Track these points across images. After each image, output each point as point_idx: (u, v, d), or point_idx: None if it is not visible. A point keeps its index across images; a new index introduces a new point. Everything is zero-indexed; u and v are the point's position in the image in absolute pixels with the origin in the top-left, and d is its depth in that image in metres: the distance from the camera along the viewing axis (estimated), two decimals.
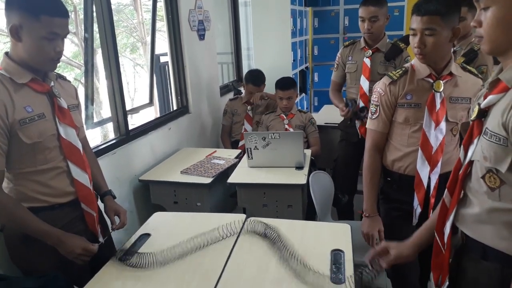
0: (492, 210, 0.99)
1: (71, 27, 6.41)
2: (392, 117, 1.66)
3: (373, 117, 1.69)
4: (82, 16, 2.30)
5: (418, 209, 1.62)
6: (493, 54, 1.04)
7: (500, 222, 0.98)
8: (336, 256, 1.37)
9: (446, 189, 1.12)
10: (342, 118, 2.66)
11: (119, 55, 2.40)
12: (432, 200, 1.57)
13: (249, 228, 1.56)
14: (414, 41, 1.52)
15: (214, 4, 3.52)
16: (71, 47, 7.29)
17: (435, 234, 1.15)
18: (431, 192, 1.58)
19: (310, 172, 2.26)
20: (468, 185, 1.06)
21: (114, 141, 2.28)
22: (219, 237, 1.52)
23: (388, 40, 2.52)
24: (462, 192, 1.08)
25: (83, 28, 2.38)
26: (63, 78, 1.55)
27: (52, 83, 1.41)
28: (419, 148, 1.58)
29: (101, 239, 1.50)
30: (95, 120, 2.44)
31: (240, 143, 3.10)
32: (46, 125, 1.36)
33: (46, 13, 1.27)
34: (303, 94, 5.23)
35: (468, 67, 1.67)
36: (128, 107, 2.51)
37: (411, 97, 1.61)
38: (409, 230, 1.32)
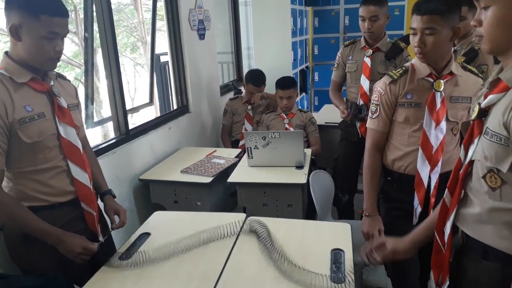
0: (493, 210, 0.99)
1: (71, 27, 6.42)
2: (393, 117, 1.66)
3: (373, 117, 1.69)
4: (82, 16, 2.30)
5: (418, 209, 1.62)
6: (493, 53, 1.03)
7: (500, 222, 0.98)
8: (336, 255, 1.37)
9: (446, 189, 1.12)
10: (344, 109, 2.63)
11: (120, 54, 2.40)
12: (433, 200, 1.57)
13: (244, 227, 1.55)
14: (414, 40, 1.52)
15: (214, 3, 3.52)
16: (72, 46, 7.29)
17: (435, 233, 1.15)
18: (431, 191, 1.58)
19: (310, 171, 2.26)
20: (469, 184, 1.06)
21: (114, 141, 2.28)
22: (219, 235, 1.51)
23: (388, 39, 2.52)
24: (463, 191, 1.08)
25: (83, 27, 2.38)
26: (63, 77, 1.55)
27: (52, 83, 1.41)
28: (420, 147, 1.58)
29: (101, 238, 1.50)
30: (95, 119, 2.44)
31: (241, 143, 3.10)
32: (46, 125, 1.36)
33: (45, 13, 1.27)
34: (303, 94, 5.23)
35: (469, 66, 1.67)
36: (128, 107, 2.51)
37: (411, 97, 1.60)
38: (409, 229, 1.32)
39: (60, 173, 1.42)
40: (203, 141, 3.29)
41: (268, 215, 1.76)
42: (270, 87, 3.23)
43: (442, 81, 1.56)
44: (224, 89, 3.89)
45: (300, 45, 4.92)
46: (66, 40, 1.41)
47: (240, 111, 3.22)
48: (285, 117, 2.91)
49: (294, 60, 4.63)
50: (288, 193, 2.19)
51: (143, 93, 2.92)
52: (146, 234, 1.57)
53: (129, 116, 2.45)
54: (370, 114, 1.71)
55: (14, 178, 1.35)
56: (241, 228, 1.58)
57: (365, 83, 2.46)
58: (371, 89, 2.29)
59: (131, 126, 2.47)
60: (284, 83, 2.91)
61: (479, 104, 1.03)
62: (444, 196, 1.13)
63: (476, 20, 1.00)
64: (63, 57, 1.54)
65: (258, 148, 2.32)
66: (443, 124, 1.55)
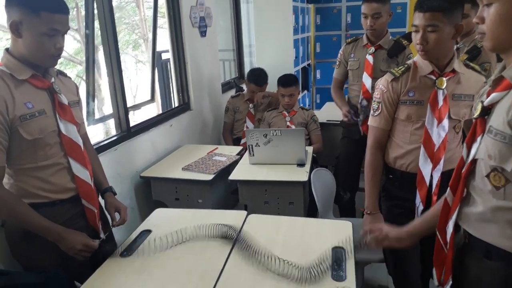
0: (497, 209, 0.98)
1: (73, 24, 6.41)
2: (394, 114, 1.65)
3: (375, 114, 1.68)
4: (83, 13, 2.30)
5: (420, 207, 1.61)
6: (495, 51, 1.03)
7: (504, 221, 0.97)
8: (338, 253, 1.36)
9: (448, 188, 1.11)
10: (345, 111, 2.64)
11: (122, 52, 2.40)
12: (434, 198, 1.56)
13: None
14: (416, 37, 1.51)
15: (215, 0, 3.51)
16: (73, 43, 7.28)
17: (437, 232, 1.14)
18: (433, 189, 1.58)
19: (311, 169, 2.26)
20: (472, 183, 1.05)
21: (115, 138, 2.28)
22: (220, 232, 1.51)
23: (390, 37, 2.51)
24: (465, 190, 1.07)
25: (84, 24, 2.37)
26: (63, 74, 1.55)
27: (52, 79, 1.41)
28: (422, 145, 1.58)
29: (102, 235, 1.50)
30: (97, 116, 2.44)
31: (242, 141, 3.10)
32: (47, 121, 1.36)
33: (46, 9, 1.27)
34: (305, 92, 5.22)
35: (471, 64, 1.66)
36: (130, 104, 2.50)
37: (413, 94, 1.60)
38: None
39: (61, 170, 1.42)
40: (204, 138, 3.29)
41: (269, 212, 1.77)
42: (271, 85, 3.22)
43: (444, 78, 1.55)
44: (226, 86, 3.88)
45: (302, 43, 4.91)
46: (67, 37, 1.40)
47: (242, 109, 3.22)
48: (287, 114, 2.90)
49: (295, 57, 4.62)
50: (289, 191, 2.18)
51: (145, 90, 2.93)
52: (147, 231, 1.57)
53: (131, 113, 2.45)
54: (372, 111, 1.70)
55: (15, 175, 1.35)
56: (242, 227, 1.58)
57: (367, 81, 2.45)
58: (373, 87, 2.28)
59: (133, 123, 2.46)
60: (285, 80, 2.91)
61: (482, 102, 1.02)
62: (446, 195, 1.12)
63: (478, 17, 0.99)
64: (64, 54, 1.53)
65: (259, 146, 2.32)
66: (445, 122, 1.54)
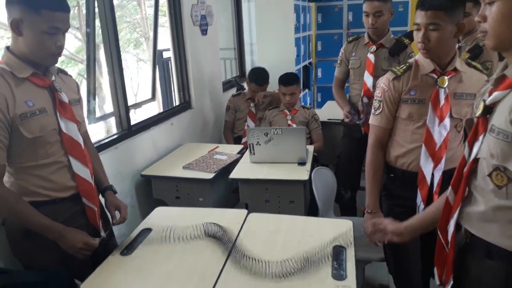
0: (498, 208, 0.98)
1: (74, 22, 6.41)
2: (396, 113, 1.64)
3: (376, 113, 1.67)
4: (85, 11, 2.30)
5: (421, 206, 1.60)
6: (497, 49, 1.02)
7: (506, 220, 0.97)
8: (338, 252, 1.36)
9: (450, 187, 1.11)
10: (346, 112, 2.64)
11: (123, 50, 2.40)
12: (436, 197, 1.56)
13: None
14: (418, 36, 1.51)
15: None
16: (75, 42, 7.28)
17: (438, 231, 1.14)
18: (434, 188, 1.57)
19: (312, 168, 2.26)
20: (474, 183, 1.05)
21: (116, 136, 2.28)
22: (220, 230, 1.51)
23: (392, 35, 2.50)
24: (467, 190, 1.07)
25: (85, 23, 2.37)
26: (64, 72, 1.55)
27: (53, 78, 1.41)
28: (423, 144, 1.57)
29: (102, 234, 1.50)
30: (98, 114, 2.43)
31: (243, 140, 3.09)
32: (47, 120, 1.36)
33: (47, 8, 1.26)
34: (306, 90, 5.21)
35: (473, 63, 1.65)
36: (131, 102, 2.50)
37: (415, 93, 1.59)
38: None
39: (61, 168, 1.41)
40: (205, 137, 3.29)
41: (270, 211, 1.76)
42: (273, 83, 3.22)
43: (446, 77, 1.54)
44: (227, 85, 3.88)
45: (303, 41, 4.90)
46: (69, 35, 1.40)
47: (243, 108, 3.21)
48: (288, 113, 2.90)
49: (297, 56, 4.61)
50: (290, 190, 2.18)
51: (146, 89, 2.93)
52: (148, 230, 1.56)
53: (132, 111, 2.45)
54: (373, 110, 1.69)
55: (15, 173, 1.35)
56: (242, 225, 1.57)
57: (368, 79, 2.44)
58: (374, 86, 2.27)
59: (135, 122, 2.46)
60: (286, 79, 2.90)
61: (484, 101, 1.01)
62: (448, 194, 1.12)
63: (480, 15, 0.98)
64: (66, 52, 1.53)
65: (260, 145, 2.32)
66: (447, 121, 1.54)
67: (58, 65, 1.46)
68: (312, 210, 2.32)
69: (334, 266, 1.28)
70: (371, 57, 2.45)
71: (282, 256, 1.34)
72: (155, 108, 3.84)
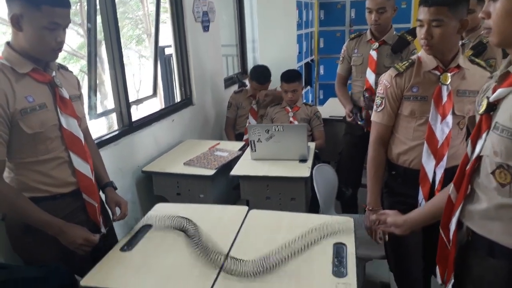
0: (501, 206, 0.97)
1: (76, 19, 6.41)
2: (398, 110, 1.63)
3: (378, 110, 1.66)
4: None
5: (423, 203, 1.60)
6: (501, 46, 1.01)
7: (509, 218, 0.96)
8: (339, 249, 1.36)
9: (452, 185, 1.10)
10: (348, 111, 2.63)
11: (125, 47, 2.39)
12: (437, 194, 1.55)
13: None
14: (421, 32, 1.49)
15: None
16: (77, 38, 7.29)
17: (440, 229, 1.13)
18: (436, 186, 1.56)
19: (314, 165, 2.25)
20: (476, 180, 1.04)
21: (117, 132, 2.28)
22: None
23: (394, 32, 2.49)
24: (469, 187, 1.06)
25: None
26: (65, 68, 1.54)
27: (53, 73, 1.40)
28: (425, 141, 1.56)
29: (102, 230, 1.50)
30: (100, 110, 2.43)
31: (245, 137, 3.09)
32: (48, 115, 1.36)
33: (47, 3, 1.26)
34: (308, 87, 5.19)
35: (476, 59, 1.64)
36: (134, 99, 2.50)
37: (417, 90, 1.58)
38: None
39: (61, 164, 1.41)
40: (206, 133, 3.28)
41: (271, 208, 1.76)
42: (275, 81, 3.20)
43: (449, 74, 1.53)
44: (228, 81, 3.87)
45: (305, 38, 4.88)
46: (71, 32, 1.40)
47: (245, 105, 3.21)
48: (290, 110, 2.89)
49: (299, 53, 4.59)
50: (291, 187, 2.17)
51: (148, 85, 2.93)
52: (148, 226, 1.56)
53: (134, 108, 2.44)
54: (375, 107, 1.68)
55: (16, 169, 1.35)
56: (243, 221, 1.57)
57: (371, 76, 2.43)
58: (377, 83, 2.26)
59: (137, 118, 2.45)
60: (288, 76, 2.89)
61: (487, 98, 1.00)
62: (450, 192, 1.11)
63: (484, 12, 0.97)
64: (68, 48, 1.53)
65: (261, 141, 2.31)
66: (449, 118, 1.52)
67: (60, 61, 1.45)
68: (313, 207, 2.32)
69: (335, 263, 1.28)
70: (373, 54, 2.44)
71: (282, 253, 1.33)
72: (157, 105, 3.83)
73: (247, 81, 3.51)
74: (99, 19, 2.28)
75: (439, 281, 1.16)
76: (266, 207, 1.78)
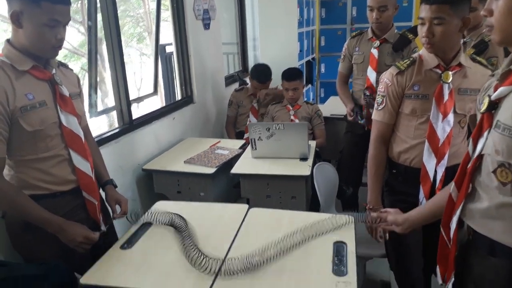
0: (502, 205, 0.96)
1: (77, 17, 6.40)
2: (399, 108, 1.63)
3: (379, 108, 1.66)
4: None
5: (423, 202, 1.59)
6: (503, 44, 1.01)
7: (510, 217, 0.95)
8: (339, 248, 1.35)
9: (453, 183, 1.10)
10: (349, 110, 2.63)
11: (126, 45, 2.39)
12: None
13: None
14: (422, 30, 1.49)
15: None
16: (78, 36, 7.28)
17: (441, 229, 1.13)
18: (437, 185, 1.56)
19: (314, 163, 2.24)
20: (478, 179, 1.04)
21: (117, 130, 2.28)
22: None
23: (396, 30, 2.48)
24: (471, 186, 1.06)
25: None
26: (65, 65, 1.54)
27: (53, 71, 1.40)
28: (426, 140, 1.56)
29: (102, 228, 1.50)
30: (101, 108, 2.43)
31: (246, 135, 3.08)
32: (48, 113, 1.35)
33: (47, 0, 1.25)
34: (309, 85, 5.19)
35: (478, 58, 1.63)
36: (134, 97, 2.49)
37: (418, 88, 1.57)
38: None
39: (61, 162, 1.41)
40: (207, 132, 3.28)
41: (271, 206, 1.75)
42: (276, 79, 3.20)
43: (450, 72, 1.52)
44: (229, 80, 3.86)
45: (306, 36, 4.87)
46: (72, 30, 1.40)
47: (245, 103, 3.20)
48: (291, 108, 2.88)
49: (300, 51, 4.58)
50: (291, 185, 2.17)
51: (149, 83, 2.93)
52: (148, 224, 1.56)
53: (136, 106, 2.44)
54: (376, 105, 1.68)
55: (16, 166, 1.34)
56: (243, 220, 1.57)
57: (372, 74, 2.42)
58: (377, 81, 2.26)
59: (138, 116, 2.45)
60: (289, 74, 2.88)
61: (489, 96, 1.00)
62: (451, 190, 1.10)
63: (486, 9, 0.97)
64: (69, 46, 1.53)
65: (262, 140, 2.31)
66: (451, 117, 1.52)
67: (61, 59, 1.45)
68: (313, 205, 2.31)
69: (335, 262, 1.27)
70: (374, 52, 2.43)
71: (281, 251, 1.33)
72: (158, 103, 3.83)
73: (248, 79, 3.50)
74: (100, 17, 2.27)
75: (440, 281, 1.16)
76: (266, 206, 1.77)
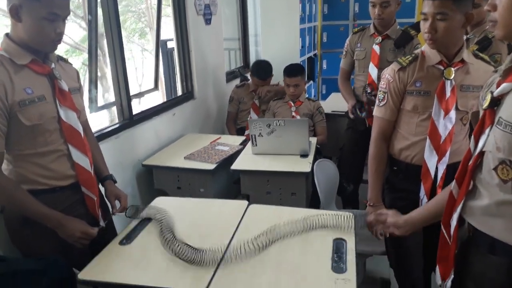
0: (503, 203, 0.96)
1: (79, 11, 6.39)
2: (400, 105, 1.62)
3: (381, 104, 1.64)
4: None
5: (424, 199, 1.58)
6: (507, 39, 0.99)
7: (510, 215, 0.94)
8: (338, 244, 1.35)
9: (454, 181, 1.09)
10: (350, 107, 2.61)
11: (128, 40, 2.38)
12: (439, 191, 1.53)
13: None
14: (425, 26, 1.47)
15: None
16: (80, 31, 7.27)
17: (441, 227, 1.12)
18: (438, 182, 1.55)
19: (315, 160, 2.23)
20: (478, 176, 1.03)
21: (117, 125, 2.27)
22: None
23: (398, 27, 2.46)
24: (472, 183, 1.05)
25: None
26: (64, 60, 1.53)
27: (52, 65, 1.39)
28: (427, 137, 1.54)
29: (101, 223, 1.50)
30: (102, 103, 2.42)
31: (246, 132, 3.07)
32: (47, 107, 1.35)
33: None
34: (311, 82, 5.16)
35: (481, 54, 1.61)
36: (136, 92, 2.48)
37: (420, 85, 1.56)
38: None
39: (60, 157, 1.40)
40: (207, 127, 3.27)
41: (271, 203, 1.75)
42: (277, 75, 3.18)
43: (452, 69, 1.51)
44: (230, 75, 3.85)
45: (308, 32, 4.84)
46: (74, 25, 1.39)
47: (246, 100, 3.19)
48: (293, 105, 2.87)
49: (302, 47, 4.55)
50: (291, 182, 2.16)
51: (151, 79, 2.93)
52: (147, 220, 1.56)
53: (137, 101, 2.43)
54: (377, 102, 1.67)
55: (14, 161, 1.34)
56: (243, 216, 1.56)
57: (373, 71, 2.41)
58: (379, 78, 2.24)
59: (139, 111, 2.44)
60: (291, 70, 2.87)
61: (491, 92, 0.98)
62: (452, 187, 1.09)
63: (490, 4, 0.95)
64: (70, 41, 1.52)
65: (262, 136, 2.30)
66: (452, 114, 1.51)
67: (62, 53, 1.44)
68: (314, 202, 2.31)
69: (334, 259, 1.27)
70: (376, 48, 2.41)
71: (281, 249, 1.32)
72: (159, 98, 3.82)
73: (249, 75, 3.49)
74: (101, 12, 2.26)
75: (439, 281, 1.15)
76: (266, 202, 1.77)
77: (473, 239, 1.06)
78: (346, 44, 2.65)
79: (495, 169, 0.96)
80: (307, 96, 3.06)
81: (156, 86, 2.92)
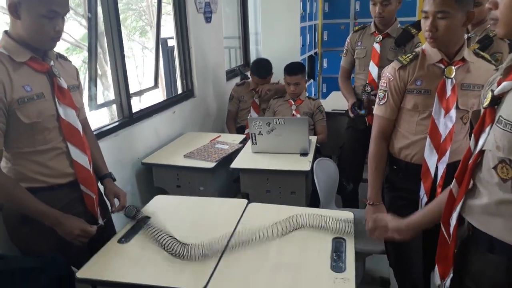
0: (502, 202, 0.95)
1: (79, 9, 6.38)
2: (401, 104, 1.61)
3: (381, 103, 1.64)
4: None
5: (424, 199, 1.58)
6: (508, 37, 0.99)
7: (509, 214, 0.94)
8: (338, 244, 1.34)
9: (454, 179, 1.08)
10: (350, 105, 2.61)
11: (128, 38, 2.37)
12: (439, 190, 1.53)
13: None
14: (426, 24, 1.46)
15: None
16: (80, 29, 7.27)
17: (441, 225, 1.12)
18: (438, 181, 1.54)
19: (315, 159, 2.23)
20: (478, 175, 1.02)
21: (117, 123, 2.26)
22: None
23: (399, 25, 2.45)
24: (471, 182, 1.04)
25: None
26: (63, 57, 1.52)
27: (52, 63, 1.39)
28: (428, 136, 1.54)
29: (100, 221, 1.49)
30: (101, 101, 2.41)
31: (246, 131, 3.07)
32: (45, 105, 1.34)
33: None
34: (311, 80, 5.16)
35: (481, 53, 1.60)
36: (136, 90, 2.47)
37: (421, 83, 1.55)
38: None
39: (59, 155, 1.40)
40: (207, 126, 3.27)
41: (270, 202, 1.74)
42: (278, 73, 3.17)
43: (453, 67, 1.50)
44: (230, 74, 3.84)
45: (309, 31, 4.83)
46: (74, 23, 1.39)
47: (247, 98, 3.18)
48: (293, 103, 2.86)
49: (302, 46, 4.55)
50: (291, 180, 2.16)
51: (151, 77, 2.92)
52: (146, 218, 1.55)
53: (137, 99, 2.42)
54: (377, 100, 1.66)
55: (13, 159, 1.34)
56: (242, 215, 1.56)
57: (373, 69, 2.40)
58: (379, 76, 2.23)
59: (139, 109, 2.44)
60: (291, 68, 2.86)
61: (492, 91, 0.98)
62: (451, 186, 1.09)
63: (491, 2, 0.95)
64: (71, 39, 1.51)
65: (262, 134, 2.29)
66: (453, 112, 1.50)
67: (63, 52, 1.43)
68: (313, 201, 2.30)
69: (333, 258, 1.26)
70: (376, 46, 2.41)
71: (281, 247, 1.32)
72: (159, 97, 3.82)
73: (249, 74, 3.48)
74: (101, 10, 2.25)
75: (438, 281, 1.14)
76: (266, 201, 1.77)
77: (473, 238, 1.05)
78: (346, 43, 2.64)
79: (494, 168, 0.96)
80: (307, 94, 3.06)
81: (156, 84, 2.92)
